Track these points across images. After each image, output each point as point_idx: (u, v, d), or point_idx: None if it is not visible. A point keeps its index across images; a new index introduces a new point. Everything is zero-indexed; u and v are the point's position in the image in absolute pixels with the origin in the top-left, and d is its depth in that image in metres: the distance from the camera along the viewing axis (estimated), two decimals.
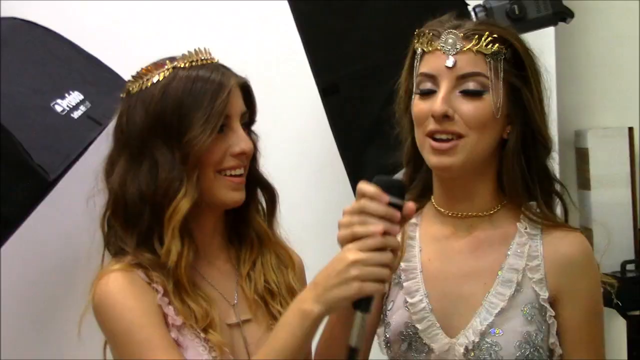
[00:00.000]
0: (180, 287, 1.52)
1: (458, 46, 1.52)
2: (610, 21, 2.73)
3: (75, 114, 2.10)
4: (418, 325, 1.55)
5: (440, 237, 1.59)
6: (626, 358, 2.55)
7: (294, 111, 2.45)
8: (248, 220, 1.63)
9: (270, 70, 2.42)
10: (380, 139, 2.13)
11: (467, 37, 1.52)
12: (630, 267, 2.56)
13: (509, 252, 1.57)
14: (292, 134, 2.45)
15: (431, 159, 1.53)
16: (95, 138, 2.08)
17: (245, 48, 2.42)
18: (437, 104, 1.50)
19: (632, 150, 2.63)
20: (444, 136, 1.52)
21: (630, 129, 2.65)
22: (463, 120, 1.51)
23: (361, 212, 1.36)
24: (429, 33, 1.55)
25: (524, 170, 1.56)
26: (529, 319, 1.53)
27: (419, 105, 1.55)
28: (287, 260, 1.65)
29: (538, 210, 1.59)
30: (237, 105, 1.57)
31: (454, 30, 1.53)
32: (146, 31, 2.43)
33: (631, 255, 2.61)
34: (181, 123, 1.52)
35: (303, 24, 2.17)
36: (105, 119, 2.10)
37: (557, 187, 1.62)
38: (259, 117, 2.42)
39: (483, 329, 1.52)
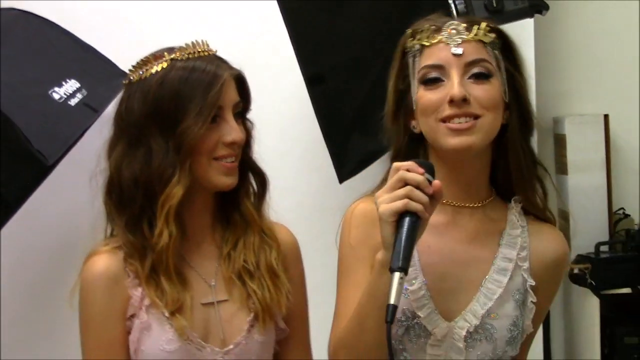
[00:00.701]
0: (161, 269, 1.61)
1: (462, 35, 1.58)
2: (587, 13, 2.79)
3: (72, 102, 2.15)
4: (419, 313, 1.59)
5: (438, 226, 1.62)
6: (599, 335, 2.63)
7: (281, 99, 2.49)
8: (236, 203, 1.71)
9: (260, 58, 2.47)
10: (363, 127, 2.22)
11: (467, 28, 1.59)
12: (604, 248, 2.64)
13: (501, 242, 1.64)
14: (280, 121, 2.50)
15: (450, 141, 1.55)
16: (91, 124, 2.15)
17: (235, 38, 2.46)
18: (455, 88, 1.54)
19: (607, 137, 2.70)
20: (462, 119, 1.55)
21: (606, 116, 2.71)
22: (478, 102, 1.55)
23: (401, 181, 1.47)
24: (427, 28, 1.60)
25: (527, 154, 1.63)
26: (518, 304, 1.62)
27: (428, 96, 1.58)
28: (271, 241, 1.71)
29: (524, 204, 1.67)
30: (230, 96, 1.65)
31: (455, 22, 1.59)
32: (138, 23, 2.49)
33: (605, 237, 2.69)
34: (176, 113, 1.60)
35: (290, 17, 2.22)
36: (101, 106, 2.17)
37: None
38: (252, 103, 2.46)
39: (483, 312, 1.59)
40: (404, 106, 1.63)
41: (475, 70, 1.57)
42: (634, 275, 2.63)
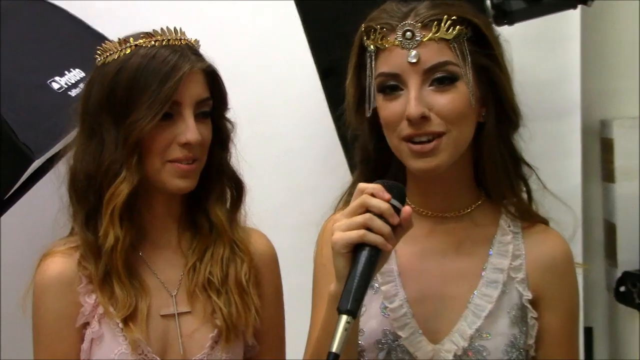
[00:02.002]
0: (113, 272, 1.50)
1: (418, 37, 1.40)
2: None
3: (74, 92, 2.04)
4: (401, 333, 1.45)
5: (417, 236, 1.47)
6: None
7: (298, 94, 2.42)
8: (206, 209, 1.59)
9: (276, 51, 2.40)
10: None
11: (425, 26, 1.40)
12: None
13: (491, 251, 1.48)
14: (298, 118, 2.43)
15: (413, 164, 1.42)
16: None
17: (250, 31, 2.42)
18: (411, 106, 1.38)
19: None
20: (423, 138, 1.40)
21: None
22: (440, 117, 1.39)
23: (363, 207, 1.30)
24: (381, 28, 1.42)
25: (504, 152, 1.46)
26: (514, 321, 1.45)
27: (388, 108, 1.43)
28: (243, 254, 1.59)
29: (514, 208, 1.50)
30: (192, 92, 1.51)
31: (409, 22, 1.40)
32: (156, 13, 2.43)
33: None
34: (128, 103, 1.48)
35: (303, 7, 2.09)
36: None
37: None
38: (265, 101, 2.38)
39: (472, 332, 1.43)
40: (367, 105, 1.47)
41: (437, 75, 1.40)
42: None
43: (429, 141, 1.40)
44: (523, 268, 1.47)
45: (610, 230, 2.52)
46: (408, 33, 1.40)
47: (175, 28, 1.55)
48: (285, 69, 2.40)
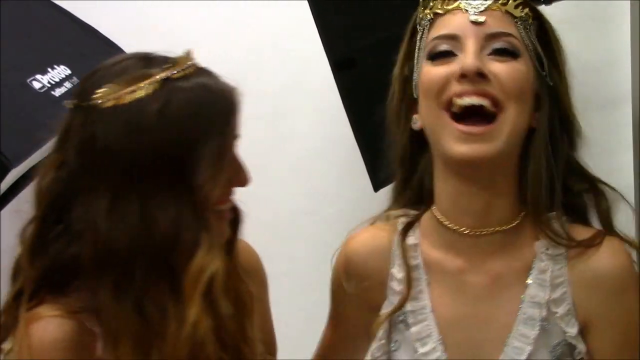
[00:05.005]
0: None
1: (486, 3, 1.32)
2: None
3: (58, 91, 1.89)
4: None
5: (450, 272, 1.34)
6: None
7: (314, 90, 2.27)
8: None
9: (290, 42, 2.29)
10: None
11: None
12: None
13: (529, 281, 1.30)
14: (315, 116, 2.29)
15: (457, 149, 1.26)
16: None
17: (266, 28, 2.32)
18: (468, 59, 1.27)
19: None
20: (475, 101, 1.26)
21: None
22: (499, 84, 1.26)
23: None
24: None
25: (551, 166, 1.30)
26: (559, 356, 1.29)
27: (432, 71, 1.29)
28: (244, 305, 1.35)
29: (557, 225, 1.32)
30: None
31: None
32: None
33: None
34: (188, 158, 1.22)
35: None
36: None
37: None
38: (281, 99, 2.27)
39: None
40: (407, 96, 1.35)
41: (499, 45, 1.29)
42: None
43: (487, 122, 1.27)
44: (567, 298, 1.30)
45: None
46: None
47: (189, 51, 1.31)
48: (303, 66, 2.28)
